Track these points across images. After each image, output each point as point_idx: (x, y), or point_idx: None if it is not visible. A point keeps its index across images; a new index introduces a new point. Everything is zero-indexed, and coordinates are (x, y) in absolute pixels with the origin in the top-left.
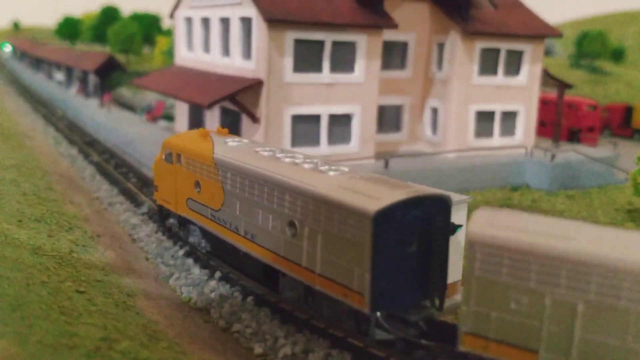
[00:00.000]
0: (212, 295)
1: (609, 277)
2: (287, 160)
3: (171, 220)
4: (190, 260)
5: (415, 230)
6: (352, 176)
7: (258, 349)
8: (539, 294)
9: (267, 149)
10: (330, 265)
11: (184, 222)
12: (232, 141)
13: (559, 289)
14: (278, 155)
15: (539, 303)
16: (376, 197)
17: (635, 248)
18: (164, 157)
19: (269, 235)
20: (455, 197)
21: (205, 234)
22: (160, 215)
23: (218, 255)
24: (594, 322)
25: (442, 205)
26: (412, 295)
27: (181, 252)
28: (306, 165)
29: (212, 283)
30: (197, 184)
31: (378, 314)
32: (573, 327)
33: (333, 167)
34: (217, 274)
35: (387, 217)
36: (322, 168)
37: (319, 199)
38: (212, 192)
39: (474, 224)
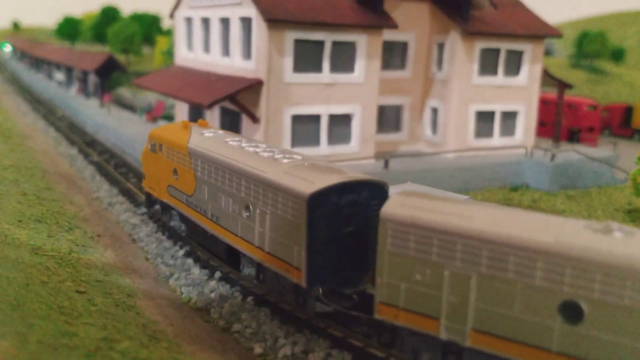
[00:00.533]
0: (212, 295)
1: (497, 251)
2: (250, 149)
3: (157, 207)
4: (190, 260)
5: (351, 212)
6: (300, 164)
7: (258, 349)
8: (439, 267)
9: (237, 139)
10: (276, 244)
11: (165, 208)
12: (208, 132)
13: (456, 263)
14: (243, 145)
15: (439, 275)
16: (312, 182)
17: (524, 226)
18: (149, 147)
19: (229, 217)
20: (455, 197)
21: (182, 218)
22: (147, 202)
23: (193, 238)
24: (486, 293)
25: (379, 190)
26: (348, 272)
27: (181, 252)
28: (264, 154)
29: (212, 283)
30: (175, 172)
31: (320, 289)
32: (468, 297)
33: (287, 156)
34: (217, 274)
35: (321, 199)
36: (277, 156)
37: (267, 183)
38: (186, 178)
39: (388, 204)
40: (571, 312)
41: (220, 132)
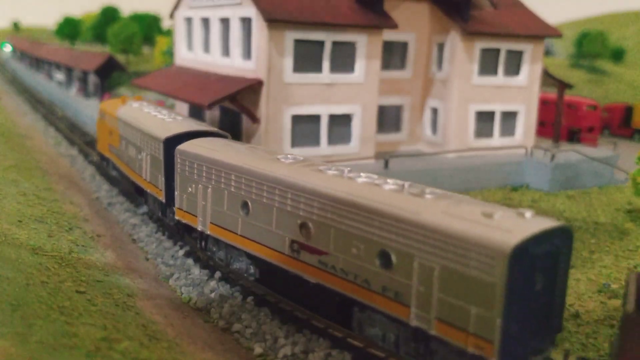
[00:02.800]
0: (212, 295)
1: (235, 175)
2: (152, 113)
3: (104, 162)
4: (190, 261)
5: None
6: (179, 119)
7: (258, 349)
8: (203, 185)
9: (151, 109)
10: (150, 176)
11: (107, 160)
12: (136, 104)
13: (212, 182)
14: (151, 112)
15: (204, 191)
16: (168, 129)
17: (261, 160)
18: (99, 116)
19: (133, 161)
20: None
21: (114, 166)
22: (100, 158)
23: (121, 180)
24: (232, 201)
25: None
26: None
27: (181, 252)
28: (159, 116)
29: (212, 283)
30: (111, 133)
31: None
32: (223, 204)
33: (174, 117)
34: (217, 274)
35: (174, 142)
36: (168, 120)
37: (149, 135)
38: (116, 137)
39: (186, 145)
40: (385, 259)
41: (145, 103)
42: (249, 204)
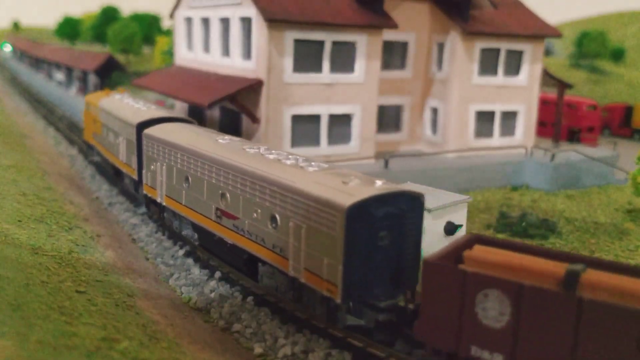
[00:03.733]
0: (212, 295)
1: (180, 153)
2: (130, 103)
3: (90, 150)
4: (190, 260)
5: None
6: (152, 108)
7: (258, 349)
8: (161, 163)
9: (129, 99)
10: (126, 157)
11: (91, 147)
12: (118, 96)
13: (170, 162)
14: (130, 102)
15: (161, 168)
16: (141, 115)
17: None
18: (85, 107)
19: (112, 145)
20: (455, 197)
21: (98, 152)
22: (86, 146)
23: (103, 165)
24: (179, 177)
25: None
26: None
27: (181, 252)
28: (135, 105)
29: (212, 283)
30: (95, 121)
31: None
32: (172, 178)
33: (148, 106)
34: (217, 274)
35: (145, 126)
36: (142, 108)
37: (125, 121)
38: (98, 125)
39: (150, 130)
40: (274, 221)
41: (125, 95)
42: (189, 178)
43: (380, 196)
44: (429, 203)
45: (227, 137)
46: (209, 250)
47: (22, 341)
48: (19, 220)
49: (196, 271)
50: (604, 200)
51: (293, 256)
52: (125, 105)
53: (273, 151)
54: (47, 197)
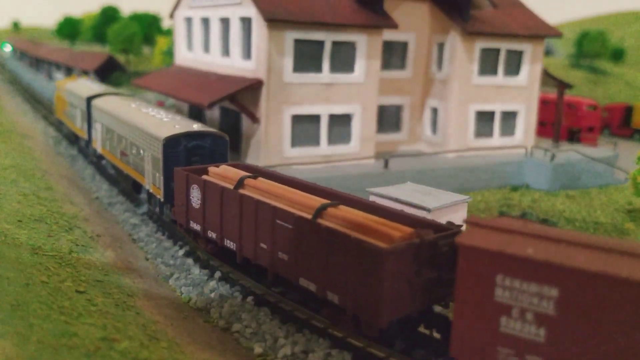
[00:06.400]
0: (212, 295)
1: (106, 115)
2: (88, 84)
3: (61, 125)
4: (190, 260)
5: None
6: (103, 87)
7: (258, 349)
8: (99, 123)
9: (89, 82)
10: (81, 124)
11: (61, 122)
12: (82, 80)
13: (103, 122)
14: (89, 83)
15: (99, 127)
16: (92, 90)
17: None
18: (57, 91)
19: (73, 117)
20: (455, 197)
21: (65, 127)
22: (58, 123)
23: (69, 135)
24: (111, 137)
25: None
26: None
27: (181, 252)
28: (92, 85)
29: (212, 283)
30: (63, 101)
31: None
32: (104, 133)
33: (99, 85)
34: (217, 274)
35: (93, 98)
36: (95, 87)
37: (79, 96)
38: (66, 104)
39: (95, 100)
40: (141, 153)
41: (89, 79)
42: (111, 132)
43: (191, 133)
44: (429, 203)
45: (150, 108)
46: (120, 181)
47: (22, 341)
48: (19, 220)
49: (196, 271)
50: (604, 200)
51: (146, 174)
52: (84, 85)
53: (151, 109)
54: (47, 197)
